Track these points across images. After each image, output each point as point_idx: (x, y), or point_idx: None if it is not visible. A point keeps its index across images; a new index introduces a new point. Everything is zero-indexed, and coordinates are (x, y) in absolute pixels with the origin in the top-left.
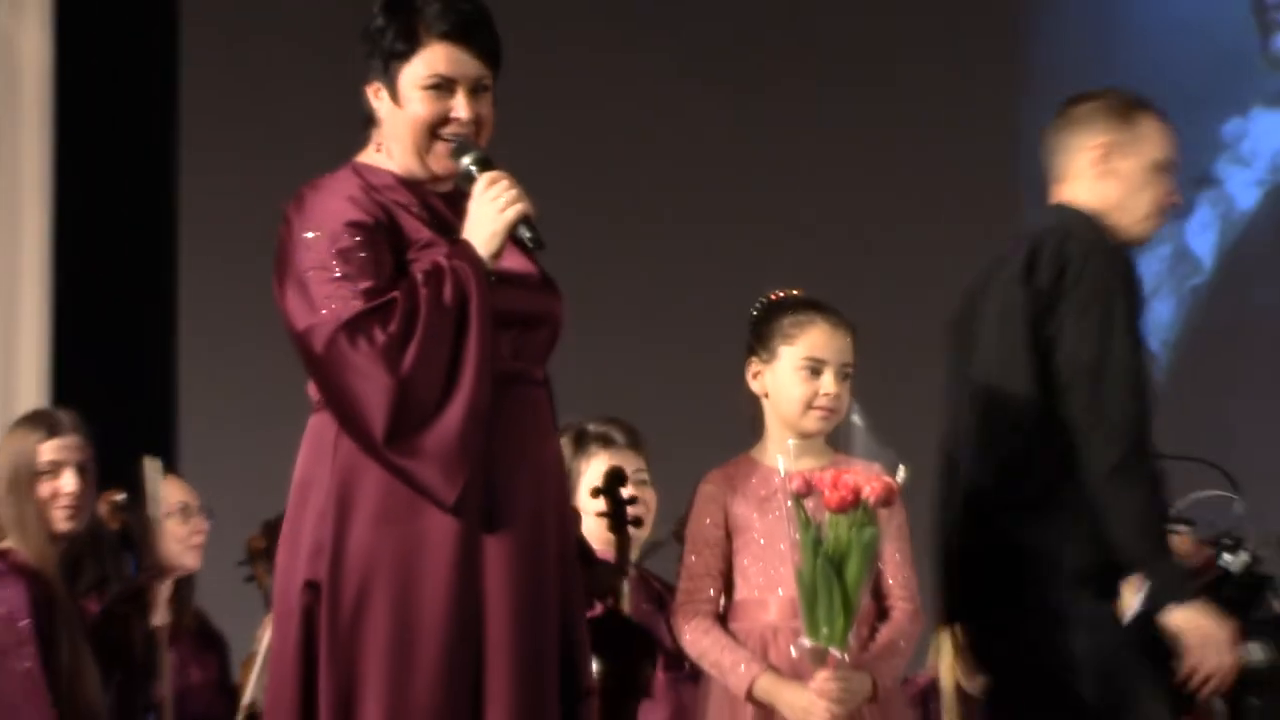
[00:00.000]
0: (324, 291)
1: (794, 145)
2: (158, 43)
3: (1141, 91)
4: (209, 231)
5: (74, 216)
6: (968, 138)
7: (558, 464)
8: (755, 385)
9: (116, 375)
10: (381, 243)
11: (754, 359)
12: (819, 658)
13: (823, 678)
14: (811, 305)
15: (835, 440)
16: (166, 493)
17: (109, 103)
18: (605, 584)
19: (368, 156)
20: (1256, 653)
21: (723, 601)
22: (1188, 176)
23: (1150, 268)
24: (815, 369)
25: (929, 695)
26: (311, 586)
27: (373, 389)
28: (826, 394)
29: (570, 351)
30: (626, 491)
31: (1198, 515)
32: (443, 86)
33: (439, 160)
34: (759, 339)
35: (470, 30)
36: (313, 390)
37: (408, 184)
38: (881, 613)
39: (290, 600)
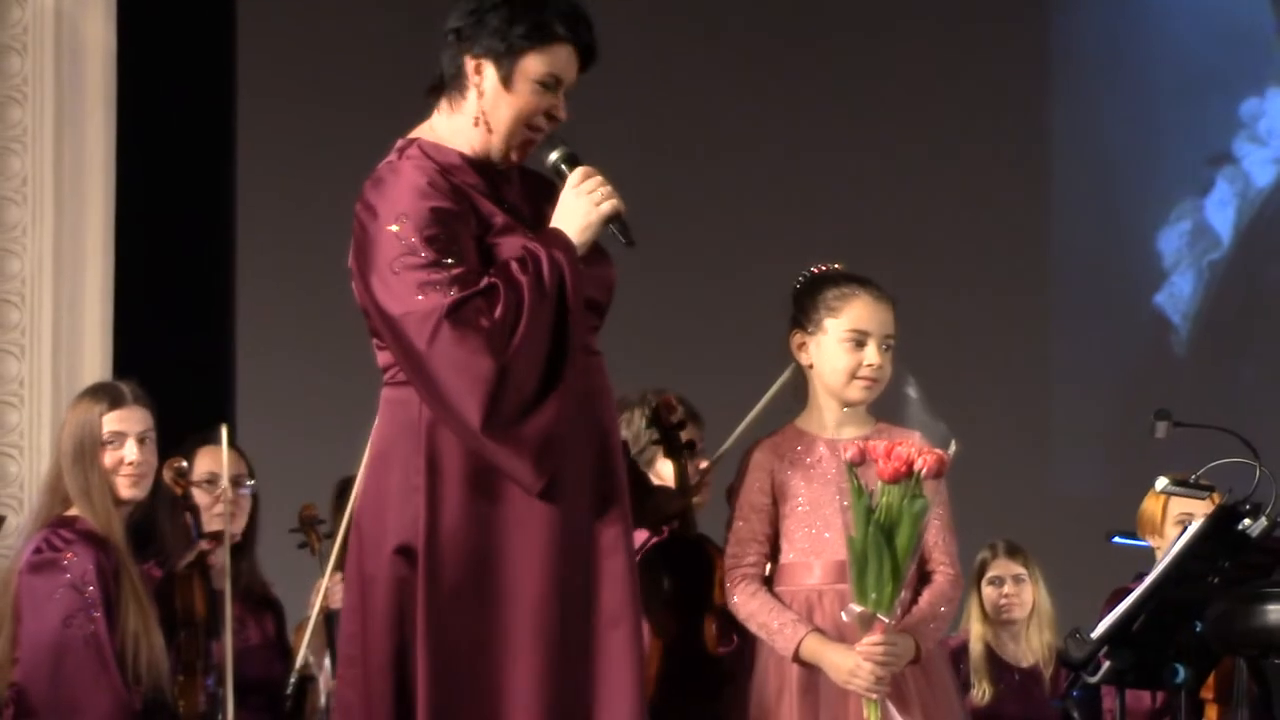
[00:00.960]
0: (417, 278)
1: (835, 126)
2: (217, 28)
3: (1160, 72)
4: (266, 208)
5: (136, 194)
6: (997, 117)
7: (613, 427)
8: (801, 356)
9: (177, 348)
10: (464, 227)
11: (798, 331)
12: (866, 622)
13: (869, 641)
14: (854, 279)
15: (878, 409)
16: (198, 462)
17: (170, 87)
18: (667, 508)
19: (428, 132)
20: (1277, 615)
21: (768, 566)
22: (1206, 154)
23: (1170, 243)
24: (859, 340)
25: (960, 657)
26: (403, 553)
27: (473, 375)
28: (870, 364)
29: (623, 325)
30: (675, 418)
31: (1218, 481)
32: (552, 87)
33: (519, 152)
34: (803, 311)
35: (589, 41)
36: (385, 362)
37: (475, 165)
38: (923, 577)
39: (378, 565)
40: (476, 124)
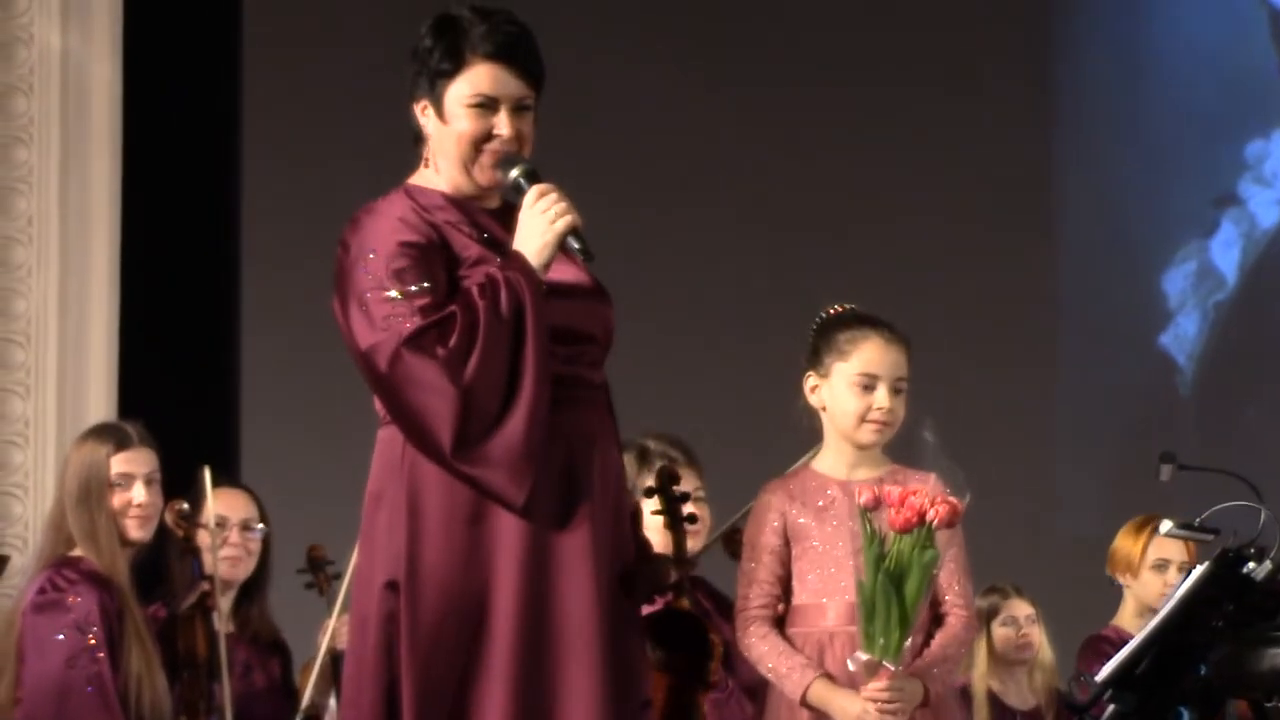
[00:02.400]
0: (383, 310)
1: (836, 168)
2: (222, 69)
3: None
4: (271, 247)
5: (141, 235)
6: (1000, 163)
7: (619, 464)
8: (813, 399)
9: (182, 388)
10: (435, 260)
11: (811, 373)
12: (872, 670)
13: (875, 686)
14: (865, 320)
15: (892, 450)
16: (207, 505)
17: (175, 128)
18: (664, 579)
19: (418, 177)
20: None
21: (781, 607)
22: (1211, 196)
23: (1175, 284)
24: (868, 384)
25: (962, 700)
26: (391, 587)
27: (437, 402)
28: (880, 408)
29: (623, 363)
30: (679, 489)
31: (1222, 525)
32: (486, 105)
33: (484, 172)
34: (815, 354)
35: (514, 51)
36: (379, 405)
37: (456, 203)
38: (936, 619)
39: (370, 603)
40: (426, 165)
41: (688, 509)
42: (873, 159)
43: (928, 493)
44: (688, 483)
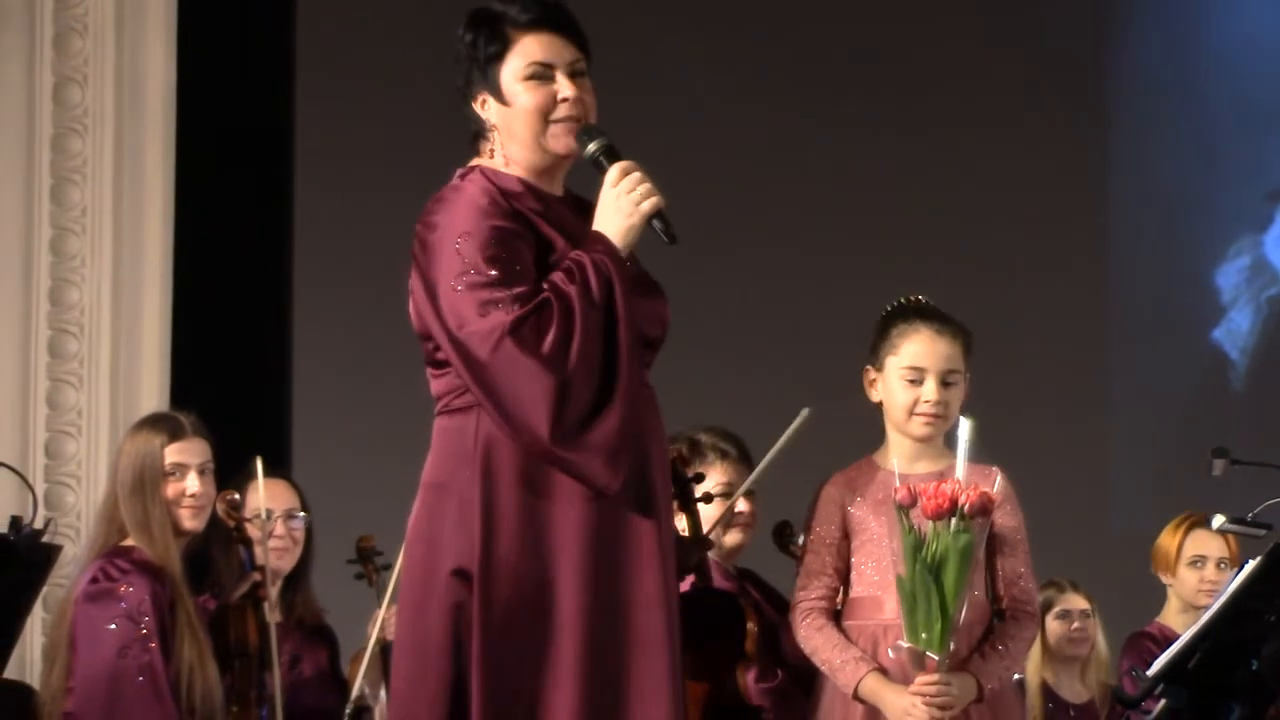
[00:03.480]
0: (479, 296)
1: (889, 161)
2: (276, 59)
3: (1219, 108)
4: (325, 239)
5: (194, 226)
6: (1053, 158)
7: (666, 462)
8: (872, 394)
9: (233, 378)
10: (525, 246)
11: (869, 367)
12: (918, 660)
13: (922, 680)
14: (917, 313)
15: (953, 443)
16: (251, 497)
17: (228, 119)
18: (686, 559)
19: (489, 162)
20: None
21: (840, 599)
22: (1266, 190)
23: (1229, 279)
24: (916, 378)
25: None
26: (459, 576)
27: (538, 390)
28: (928, 401)
29: (672, 359)
30: (691, 471)
31: (1274, 519)
32: (542, 74)
33: (558, 140)
34: (873, 348)
35: (555, 16)
36: (438, 390)
37: (534, 191)
38: (999, 614)
39: (433, 592)
40: (492, 156)
41: (699, 489)
42: (924, 156)
43: (988, 487)
44: (740, 476)
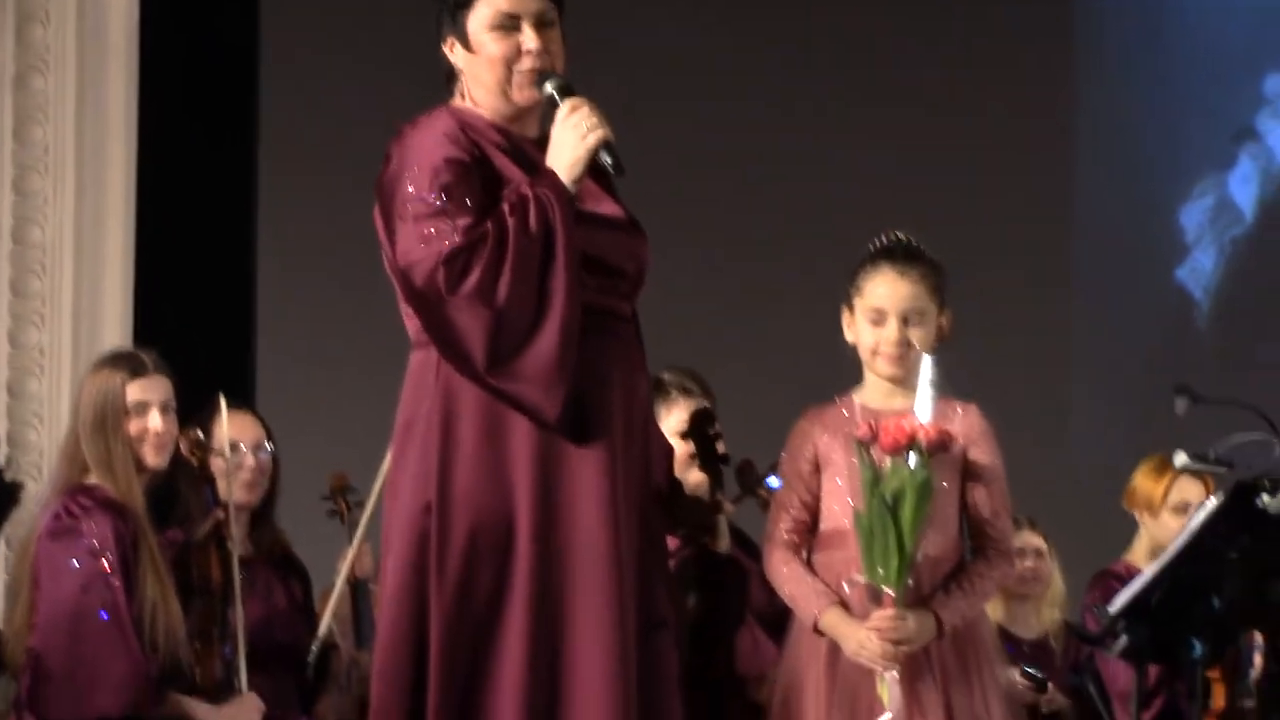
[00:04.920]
0: (425, 227)
1: (853, 104)
2: None
3: (1184, 49)
4: (289, 174)
5: (157, 163)
6: (1018, 97)
7: (647, 396)
8: (849, 334)
9: (196, 316)
10: (477, 179)
11: (845, 309)
12: (874, 596)
13: (878, 616)
14: (884, 253)
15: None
16: (218, 431)
17: (193, 56)
18: (694, 519)
19: (459, 102)
20: None
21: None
22: (1230, 130)
23: (1193, 219)
24: (877, 318)
25: None
26: (426, 510)
27: (470, 321)
28: (889, 341)
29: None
30: (713, 430)
31: (1237, 458)
32: (508, 24)
33: (521, 91)
34: (847, 290)
35: None
36: (412, 327)
37: (499, 128)
38: (974, 552)
39: (405, 523)
40: (462, 99)
41: (721, 449)
42: (888, 95)
43: (965, 423)
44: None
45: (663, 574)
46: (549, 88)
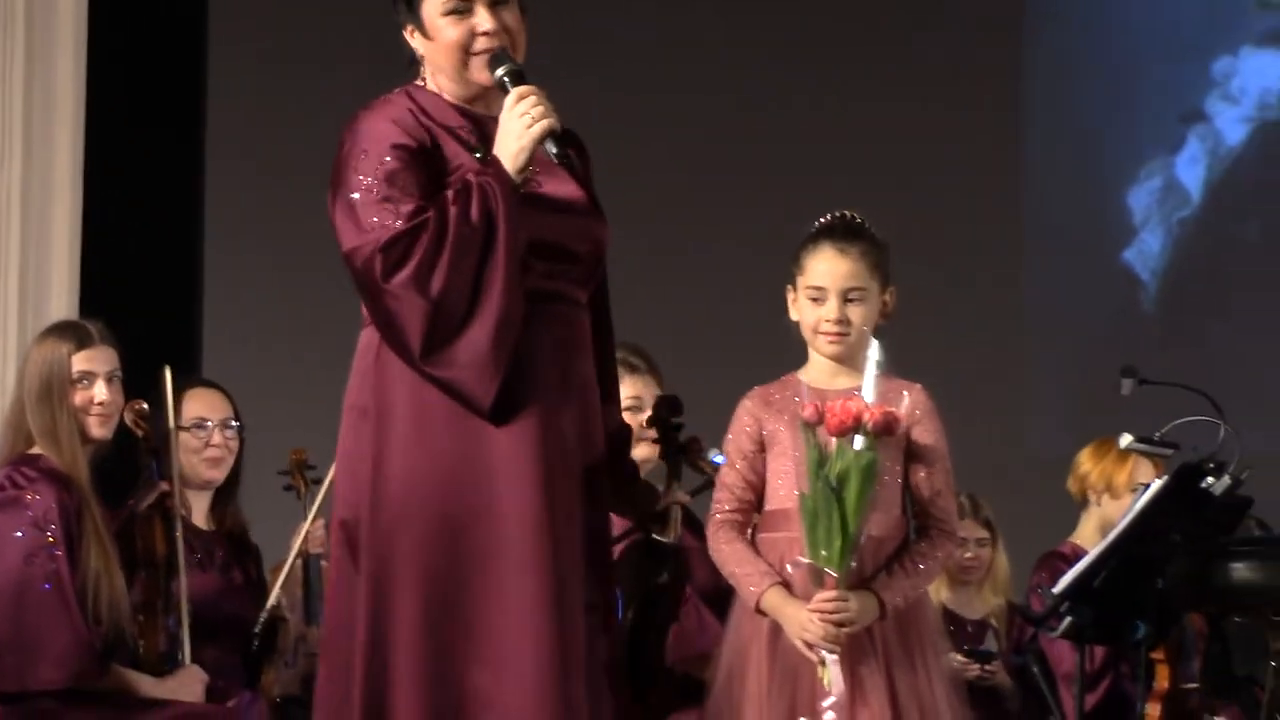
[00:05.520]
0: (369, 213)
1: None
2: None
3: (1133, 30)
4: (238, 143)
5: (105, 130)
6: (966, 78)
7: (589, 382)
8: (793, 313)
9: (143, 287)
10: (424, 165)
11: (789, 287)
12: (817, 577)
13: (820, 598)
14: (825, 231)
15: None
16: (185, 406)
17: (141, 21)
18: (643, 506)
19: (421, 85)
20: (1240, 572)
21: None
22: (1178, 112)
23: (1140, 200)
24: (817, 297)
25: None
26: (362, 489)
27: (407, 308)
28: (829, 320)
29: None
30: (676, 419)
31: (1182, 439)
32: (461, 10)
33: (479, 73)
34: (790, 270)
35: None
36: (363, 307)
37: (459, 109)
38: (918, 532)
39: (342, 502)
40: (424, 83)
41: (682, 439)
42: (837, 77)
43: (909, 403)
44: (649, 389)
45: (599, 557)
46: (499, 73)
